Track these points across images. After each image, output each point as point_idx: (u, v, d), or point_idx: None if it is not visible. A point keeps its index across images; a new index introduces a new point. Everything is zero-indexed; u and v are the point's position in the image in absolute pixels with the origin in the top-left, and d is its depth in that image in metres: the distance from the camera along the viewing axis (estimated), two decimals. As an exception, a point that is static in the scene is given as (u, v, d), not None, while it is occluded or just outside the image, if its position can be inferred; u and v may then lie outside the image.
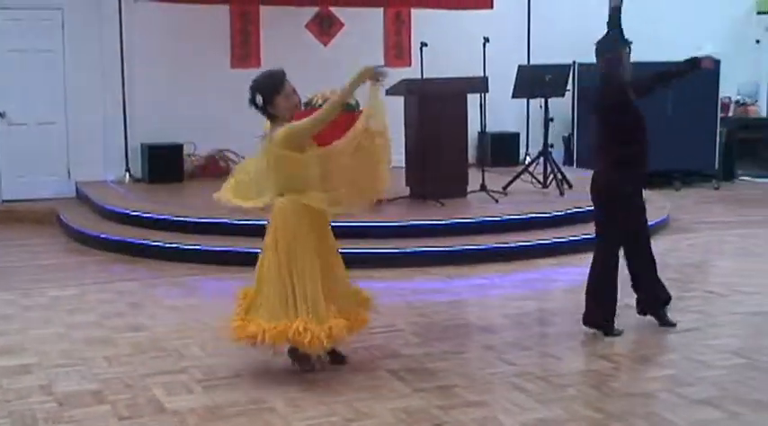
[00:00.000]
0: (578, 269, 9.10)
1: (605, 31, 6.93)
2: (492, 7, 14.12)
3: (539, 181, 11.84)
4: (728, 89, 15.24)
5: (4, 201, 12.60)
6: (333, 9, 13.87)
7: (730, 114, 15.74)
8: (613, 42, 6.78)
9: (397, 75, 11.61)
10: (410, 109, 11.05)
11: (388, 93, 11.01)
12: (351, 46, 13.58)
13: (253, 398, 5.59)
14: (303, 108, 8.15)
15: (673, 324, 6.98)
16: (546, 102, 11.93)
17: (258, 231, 9.32)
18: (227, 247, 9.44)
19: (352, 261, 6.44)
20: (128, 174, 13.07)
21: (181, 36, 13.11)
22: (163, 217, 10.33)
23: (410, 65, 13.65)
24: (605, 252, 6.84)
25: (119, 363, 6.32)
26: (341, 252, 6.15)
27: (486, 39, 11.22)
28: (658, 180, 13.44)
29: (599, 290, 6.82)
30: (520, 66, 12.27)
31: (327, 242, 6.03)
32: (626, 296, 7.01)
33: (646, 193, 7.35)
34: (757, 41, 15.53)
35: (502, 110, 13.65)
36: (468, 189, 11.20)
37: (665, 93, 12.02)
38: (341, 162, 6.01)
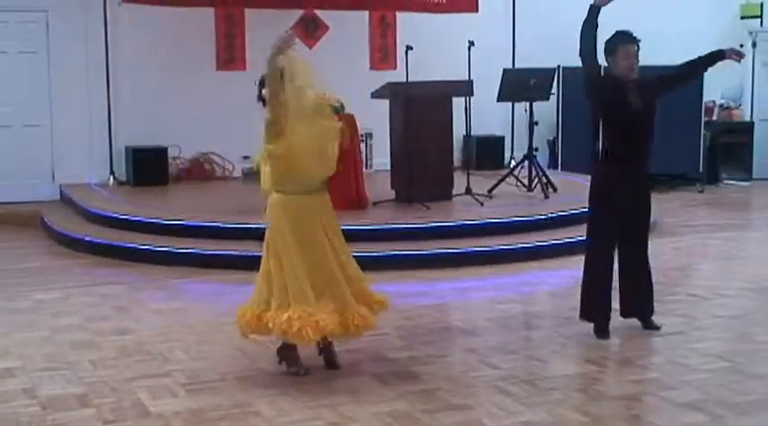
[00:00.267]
0: (563, 272, 9.16)
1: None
2: (477, 11, 14.17)
3: (524, 185, 11.86)
4: (712, 93, 15.30)
5: (-13, 204, 12.56)
6: (318, 12, 13.87)
7: (714, 118, 15.79)
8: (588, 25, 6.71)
9: (382, 78, 11.67)
10: (395, 112, 11.05)
11: (374, 96, 11.07)
12: (336, 49, 13.57)
13: (237, 402, 5.58)
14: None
15: (657, 328, 7.00)
16: (531, 106, 11.96)
17: (243, 234, 9.40)
18: (213, 250, 9.43)
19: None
20: (112, 177, 13.03)
21: (166, 39, 13.09)
22: (148, 220, 10.28)
23: (395, 68, 13.64)
24: (593, 251, 6.92)
25: (103, 367, 6.29)
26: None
27: (472, 43, 11.24)
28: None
29: (591, 290, 6.88)
30: (505, 70, 12.28)
31: (323, 241, 5.96)
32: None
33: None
34: (741, 46, 15.53)
35: (487, 114, 13.66)
36: (454, 192, 11.21)
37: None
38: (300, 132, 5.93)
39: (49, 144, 12.91)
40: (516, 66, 14.05)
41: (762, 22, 16.40)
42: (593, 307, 6.86)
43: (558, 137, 14.74)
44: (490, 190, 11.55)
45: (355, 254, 6.29)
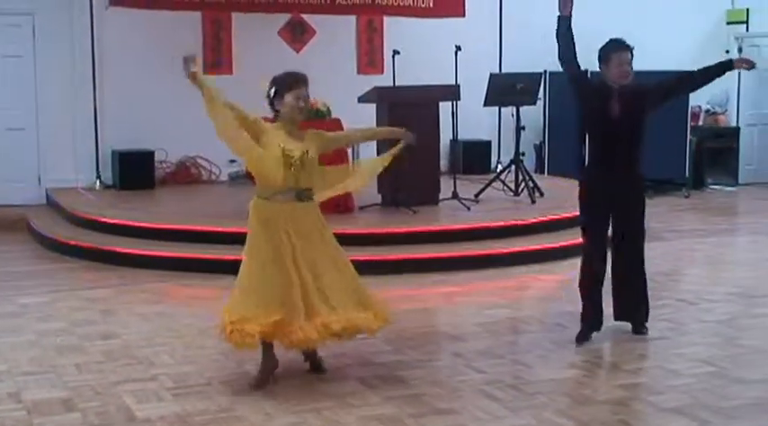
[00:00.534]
0: (550, 276, 9.18)
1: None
2: (464, 16, 14.19)
3: (510, 189, 11.86)
4: (698, 98, 15.32)
5: (-27, 208, 12.51)
6: (305, 16, 13.86)
7: (700, 123, 15.86)
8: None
9: (369, 82, 11.67)
10: (382, 116, 11.03)
11: (361, 100, 11.07)
12: (323, 53, 13.58)
13: (222, 406, 5.57)
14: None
15: (645, 332, 7.02)
16: (518, 111, 11.97)
17: (228, 238, 9.37)
18: (199, 254, 9.41)
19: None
20: (99, 181, 12.99)
21: (152, 42, 13.04)
22: (134, 224, 10.25)
23: (383, 72, 13.66)
24: (584, 256, 6.96)
25: (89, 371, 6.27)
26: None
27: (459, 48, 11.26)
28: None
29: (587, 292, 6.93)
30: (492, 75, 12.31)
31: (283, 248, 5.80)
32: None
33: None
34: (726, 51, 15.62)
35: (474, 118, 13.67)
36: (441, 196, 11.21)
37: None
38: None
39: (36, 147, 12.87)
40: (503, 70, 14.05)
41: (747, 27, 16.46)
42: (593, 308, 6.92)
43: (544, 142, 14.77)
44: (477, 195, 11.56)
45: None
